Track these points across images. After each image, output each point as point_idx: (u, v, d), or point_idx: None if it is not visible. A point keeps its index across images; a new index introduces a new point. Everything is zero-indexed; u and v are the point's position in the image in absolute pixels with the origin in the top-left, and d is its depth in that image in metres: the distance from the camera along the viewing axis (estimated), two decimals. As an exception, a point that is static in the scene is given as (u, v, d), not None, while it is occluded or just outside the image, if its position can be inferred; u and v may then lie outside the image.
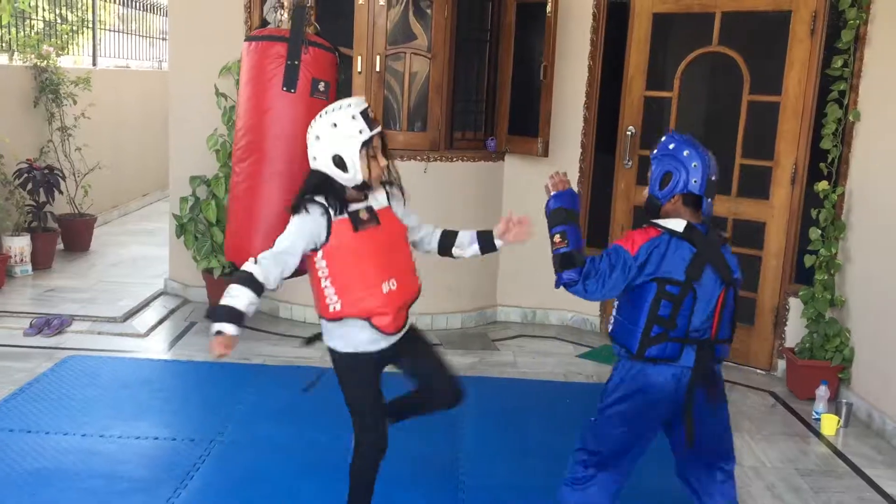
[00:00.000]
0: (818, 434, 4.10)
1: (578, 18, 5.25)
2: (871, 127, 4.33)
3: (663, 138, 2.64)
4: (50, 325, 4.94)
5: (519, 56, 5.33)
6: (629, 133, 5.21)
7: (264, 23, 3.25)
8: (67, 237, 6.93)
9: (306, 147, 2.97)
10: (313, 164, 2.58)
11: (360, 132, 2.51)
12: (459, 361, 4.86)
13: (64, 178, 6.63)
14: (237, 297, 2.46)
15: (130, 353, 4.69)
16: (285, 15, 3.10)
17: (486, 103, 5.52)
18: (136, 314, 5.36)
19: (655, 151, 2.62)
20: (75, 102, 6.95)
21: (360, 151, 2.52)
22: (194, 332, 5.11)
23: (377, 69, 5.08)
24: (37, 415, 3.81)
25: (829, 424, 4.10)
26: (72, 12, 9.00)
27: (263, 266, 2.49)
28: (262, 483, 3.31)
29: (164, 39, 10.86)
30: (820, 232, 4.53)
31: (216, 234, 5.25)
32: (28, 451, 3.46)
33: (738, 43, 4.83)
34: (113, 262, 6.70)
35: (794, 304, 4.75)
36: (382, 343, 2.65)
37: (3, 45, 7.19)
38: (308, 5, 3.11)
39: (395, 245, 2.67)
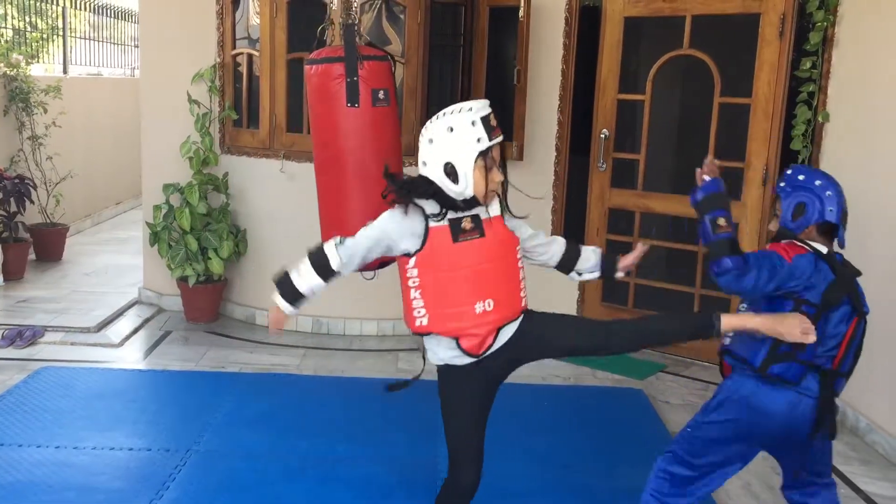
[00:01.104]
0: (793, 432, 4.13)
1: (551, 22, 5.28)
2: (839, 127, 4.39)
3: (789, 171, 2.64)
4: (22, 336, 4.88)
5: (492, 60, 5.35)
6: (603, 136, 5.24)
7: (321, 42, 3.53)
8: (39, 247, 6.84)
9: (380, 152, 3.01)
10: (422, 170, 2.33)
11: (479, 140, 2.26)
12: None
13: (35, 187, 6.55)
14: (304, 277, 2.36)
15: (104, 363, 4.64)
16: (337, 31, 3.34)
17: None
18: (109, 324, 5.31)
19: (783, 184, 2.62)
20: (46, 111, 6.88)
21: (476, 162, 2.27)
22: (169, 342, 5.07)
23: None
24: (9, 427, 3.76)
25: (804, 422, 4.13)
26: (42, 20, 8.91)
27: (342, 253, 2.36)
28: (240, 492, 3.29)
29: (136, 47, 10.78)
30: (792, 232, 4.57)
31: (190, 242, 5.22)
32: (0, 465, 3.41)
33: (709, 46, 4.88)
34: (86, 271, 6.63)
35: (768, 304, 4.78)
36: (471, 359, 2.40)
37: (-28, 53, 7.10)
38: (356, 23, 3.30)
39: (499, 261, 2.40)
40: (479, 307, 2.34)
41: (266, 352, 4.97)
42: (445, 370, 2.44)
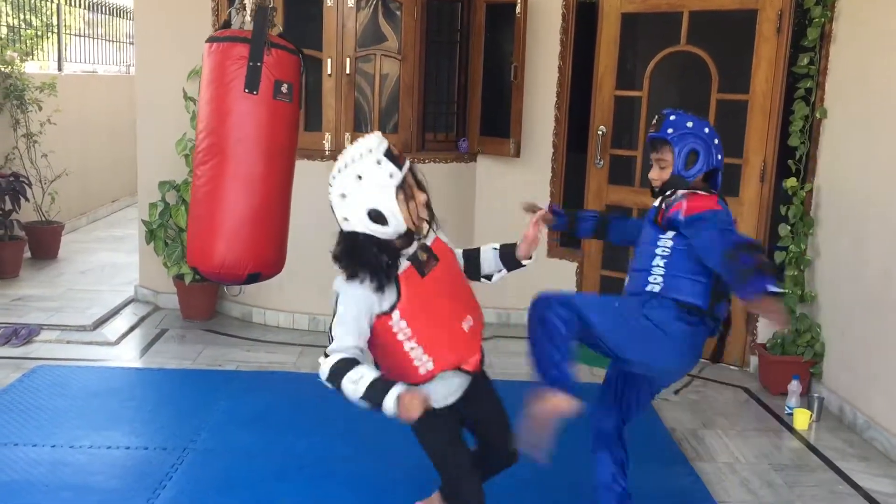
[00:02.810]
0: (791, 429, 4.14)
1: (548, 19, 5.26)
2: (837, 123, 4.38)
3: (673, 116, 2.58)
4: (18, 334, 4.86)
5: (489, 57, 5.33)
6: (600, 132, 5.23)
7: (227, 24, 3.17)
8: (35, 245, 6.81)
9: (269, 149, 2.80)
10: (345, 226, 2.27)
11: (391, 176, 2.22)
12: (434, 363, 4.85)
13: (30, 185, 6.52)
14: (364, 374, 2.16)
15: (101, 361, 4.62)
16: (248, 16, 3.04)
17: (457, 104, 5.51)
18: (106, 322, 5.29)
19: (671, 131, 2.56)
20: (41, 108, 6.85)
21: (398, 197, 2.23)
22: (165, 340, 5.05)
23: (347, 71, 5.06)
24: (5, 426, 3.74)
25: (802, 419, 4.14)
26: (37, 17, 8.87)
27: (339, 351, 2.21)
28: (237, 490, 3.27)
29: (131, 44, 10.74)
30: (789, 228, 4.57)
31: (186, 239, 5.19)
32: (-4, 464, 3.39)
33: (706, 42, 4.87)
34: (82, 269, 6.60)
35: (766, 301, 4.78)
36: (458, 392, 2.44)
37: (-34, 50, 7.06)
38: (270, 6, 3.03)
39: (457, 278, 2.45)
40: (465, 325, 2.38)
41: (263, 350, 4.95)
42: (430, 416, 2.32)
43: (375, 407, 2.13)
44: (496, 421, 2.58)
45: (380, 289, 2.24)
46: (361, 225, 2.25)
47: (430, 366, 2.30)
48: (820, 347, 4.43)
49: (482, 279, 2.64)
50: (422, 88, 5.27)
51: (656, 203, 2.68)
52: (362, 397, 2.13)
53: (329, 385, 2.22)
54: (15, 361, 4.55)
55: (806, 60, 4.46)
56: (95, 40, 10.48)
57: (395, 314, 2.27)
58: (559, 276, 5.50)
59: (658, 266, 2.55)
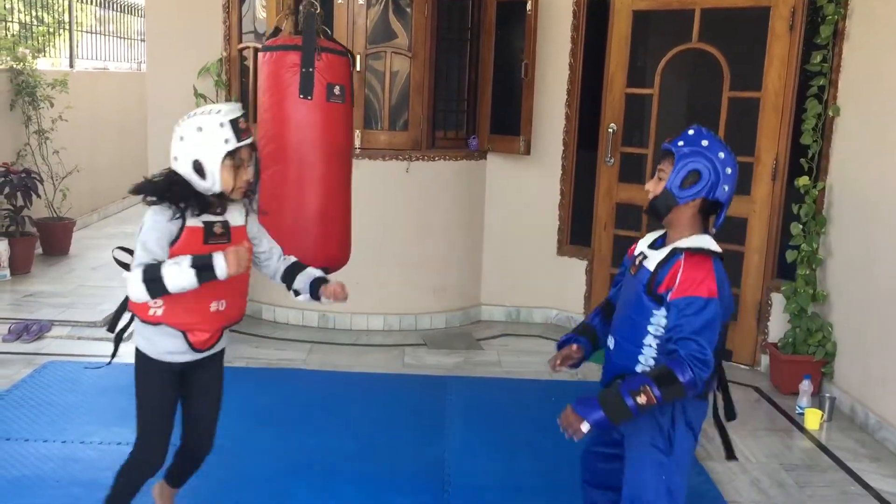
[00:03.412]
0: (802, 428, 4.11)
1: (559, 16, 5.25)
2: (850, 121, 4.35)
3: (691, 131, 2.32)
4: (29, 330, 4.88)
5: (500, 54, 5.32)
6: (611, 130, 5.21)
7: (276, 31, 3.32)
8: (46, 241, 6.85)
9: (327, 150, 2.94)
10: (173, 164, 2.44)
11: (227, 141, 2.38)
12: (444, 361, 4.85)
13: (42, 181, 6.55)
14: (180, 258, 2.33)
15: (111, 357, 4.63)
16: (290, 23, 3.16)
17: (467, 102, 5.50)
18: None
19: (682, 144, 2.30)
20: (52, 105, 6.87)
21: (224, 161, 2.38)
22: (176, 336, 5.06)
23: (357, 69, 5.05)
24: (16, 422, 3.75)
25: (813, 419, 4.11)
26: (48, 14, 8.90)
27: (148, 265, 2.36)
28: (246, 486, 3.28)
29: (142, 41, 10.76)
30: (801, 227, 4.55)
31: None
32: (7, 459, 3.40)
33: (718, 39, 4.84)
34: (93, 265, 6.63)
35: (777, 300, 4.76)
36: (187, 357, 2.55)
37: (-21, 47, 7.09)
38: (317, 11, 3.13)
39: None
40: (213, 306, 2.49)
41: (272, 346, 4.96)
42: (146, 360, 2.55)
43: (206, 269, 2.29)
44: (203, 413, 2.70)
45: (176, 218, 2.39)
46: (184, 169, 2.41)
47: (160, 313, 2.45)
48: (831, 347, 4.40)
49: (291, 290, 2.73)
50: (432, 86, 5.26)
51: (647, 259, 2.37)
52: (191, 266, 2.29)
53: (144, 292, 2.32)
54: (26, 357, 4.57)
55: (819, 58, 4.42)
56: (107, 37, 10.51)
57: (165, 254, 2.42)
58: (570, 273, 5.50)
59: (650, 347, 2.30)
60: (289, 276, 2.70)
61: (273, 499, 3.20)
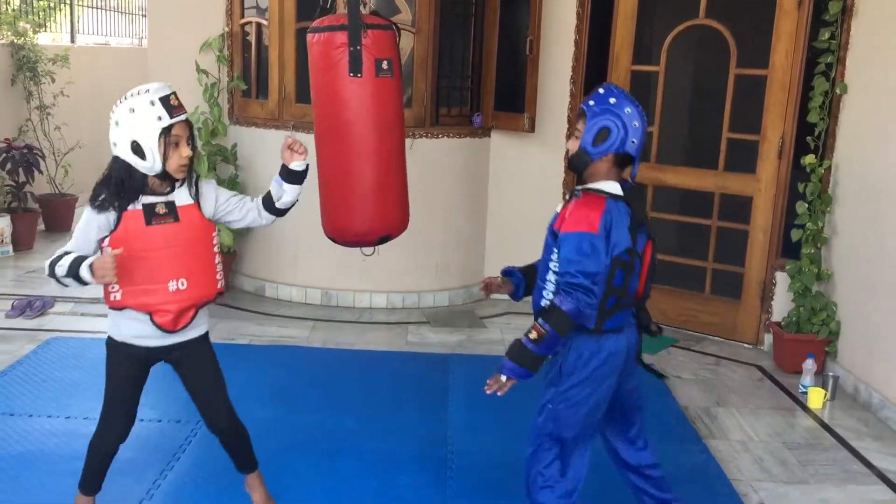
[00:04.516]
0: (805, 407, 4.12)
1: (564, -8, 5.19)
2: (857, 100, 4.31)
3: (601, 90, 2.46)
4: (32, 306, 4.89)
5: (504, 31, 5.27)
6: (616, 108, 5.16)
7: (323, 10, 3.37)
8: (48, 217, 6.84)
9: (380, 124, 3.04)
10: (114, 151, 2.48)
11: (160, 119, 2.42)
12: (447, 339, 4.85)
13: (43, 157, 6.53)
14: (71, 256, 2.39)
15: (114, 334, 4.64)
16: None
17: (471, 79, 5.46)
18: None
19: (592, 103, 2.43)
20: (54, 80, 6.84)
21: (160, 139, 2.41)
22: (179, 313, 5.06)
23: (361, 44, 5.00)
24: (20, 397, 3.77)
25: (816, 398, 4.11)
26: (49, -12, 8.83)
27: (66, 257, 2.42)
28: (250, 463, 3.28)
29: (143, 16, 10.68)
30: (807, 206, 4.52)
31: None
32: (11, 435, 3.42)
33: (725, 16, 4.79)
34: (95, 242, 6.62)
35: (781, 279, 4.75)
36: (156, 340, 2.58)
37: (-21, 22, 7.04)
38: None
39: (193, 244, 2.57)
40: (172, 285, 2.51)
41: (275, 324, 4.96)
42: (112, 344, 2.62)
43: (74, 277, 2.36)
44: (204, 391, 2.74)
45: (100, 209, 2.46)
46: (124, 153, 2.45)
47: (119, 297, 2.50)
48: (835, 326, 4.39)
49: (277, 209, 2.74)
50: (435, 62, 5.21)
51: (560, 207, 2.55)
52: (66, 274, 2.38)
53: (51, 276, 2.44)
54: (29, 333, 4.58)
55: (827, 35, 4.38)
56: (108, 12, 10.43)
57: (106, 241, 2.47)
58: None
59: (550, 282, 2.47)
60: (268, 203, 2.73)
61: (276, 476, 3.20)
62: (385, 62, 3.20)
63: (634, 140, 2.40)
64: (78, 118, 7.49)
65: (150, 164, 2.44)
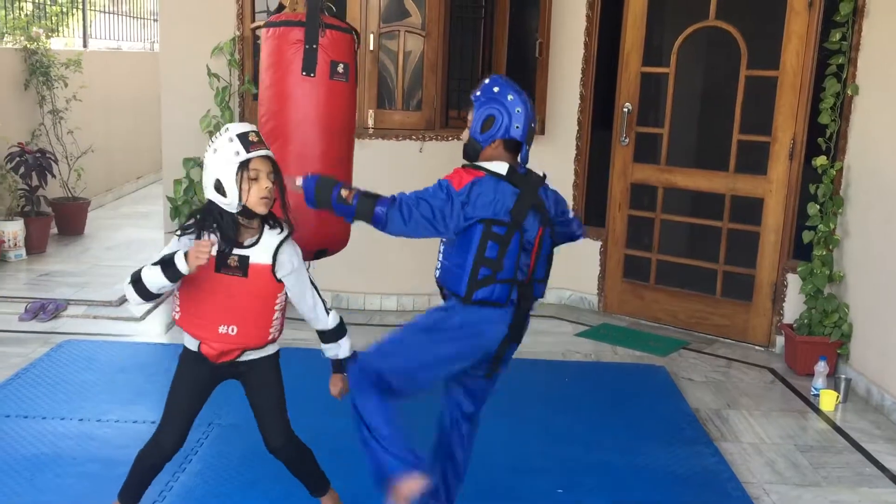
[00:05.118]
0: (817, 410, 4.10)
1: (574, -6, 5.20)
2: (869, 101, 4.30)
3: (487, 80, 2.59)
4: (45, 309, 4.92)
5: (514, 33, 5.28)
6: (626, 110, 5.17)
7: (280, 7, 3.26)
8: (61, 221, 6.88)
9: (331, 129, 2.98)
10: (206, 194, 2.55)
11: (237, 154, 2.47)
12: (457, 341, 4.84)
13: (56, 161, 6.57)
14: (155, 260, 2.47)
15: (126, 336, 4.66)
16: None
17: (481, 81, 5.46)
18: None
19: (479, 94, 2.57)
20: (66, 85, 6.88)
21: (238, 174, 2.46)
22: (191, 315, 5.09)
23: (371, 48, 5.03)
24: (33, 400, 3.79)
25: (828, 400, 4.10)
26: (61, -7, 8.89)
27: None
28: (261, 464, 3.29)
29: (155, 20, 10.74)
30: (818, 207, 4.50)
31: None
32: (25, 437, 3.44)
33: (735, 17, 4.78)
34: (107, 245, 6.66)
35: (793, 280, 4.73)
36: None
37: (-8, 27, 7.10)
38: None
39: (253, 300, 2.61)
40: (222, 329, 2.59)
41: (287, 326, 4.91)
42: (187, 354, 2.70)
43: (169, 267, 2.41)
44: (262, 409, 2.83)
45: (182, 233, 2.54)
46: (210, 192, 2.51)
47: (178, 317, 2.63)
48: (847, 328, 4.37)
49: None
50: (446, 65, 5.23)
51: None
52: (154, 264, 2.44)
53: (132, 292, 2.49)
54: (42, 336, 4.61)
55: (838, 36, 4.36)
56: (120, 17, 10.50)
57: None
58: (583, 254, 5.47)
59: (440, 252, 2.60)
60: (320, 334, 2.91)
61: (282, 477, 3.21)
62: (341, 65, 3.04)
63: (518, 125, 2.51)
64: (90, 122, 7.54)
65: (231, 201, 2.48)
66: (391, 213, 2.43)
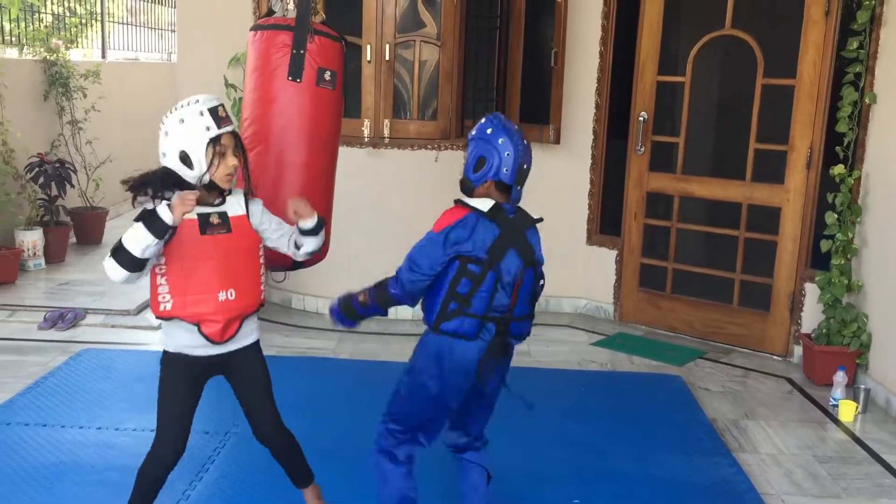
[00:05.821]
0: (836, 420, 4.06)
1: (589, 3, 5.20)
2: (887, 109, 4.27)
3: (483, 120, 2.63)
4: (64, 318, 4.96)
5: (529, 42, 5.29)
6: (641, 119, 5.16)
7: (270, 12, 3.19)
8: (80, 230, 6.94)
9: (314, 137, 2.88)
10: (163, 160, 2.51)
11: (208, 129, 2.46)
12: (473, 350, 4.84)
13: (75, 171, 6.64)
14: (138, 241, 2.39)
15: (144, 345, 4.69)
16: (291, 4, 3.04)
17: (496, 91, 5.48)
18: (149, 307, 5.36)
19: (474, 133, 2.62)
20: (85, 96, 6.96)
21: (207, 149, 2.45)
22: (207, 324, 5.11)
23: (387, 58, 5.05)
24: (52, 408, 3.82)
25: (847, 410, 4.06)
26: (80, 5, 8.98)
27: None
28: (278, 474, 3.29)
29: (173, 31, 10.84)
30: (836, 216, 4.48)
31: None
32: (44, 445, 3.47)
33: (752, 26, 4.77)
34: (125, 254, 6.70)
35: (811, 290, 4.70)
36: (208, 350, 2.59)
37: (13, 39, 7.18)
38: None
39: (243, 255, 2.60)
40: (221, 295, 2.53)
41: (302, 335, 4.99)
42: (166, 355, 2.64)
43: (154, 222, 2.35)
44: (252, 399, 2.77)
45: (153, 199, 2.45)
46: (173, 162, 2.47)
47: (169, 307, 2.52)
48: (866, 338, 4.34)
49: (302, 254, 2.77)
50: (461, 75, 5.24)
51: None
52: (136, 219, 2.38)
53: (115, 266, 2.41)
54: (61, 345, 4.65)
55: (855, 44, 4.34)
56: (138, 28, 10.59)
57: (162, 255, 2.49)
58: (599, 263, 5.47)
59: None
60: (298, 245, 2.77)
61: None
62: (328, 73, 2.99)
63: (507, 169, 2.55)
64: (109, 133, 7.61)
65: (197, 174, 2.47)
66: (399, 292, 2.60)
